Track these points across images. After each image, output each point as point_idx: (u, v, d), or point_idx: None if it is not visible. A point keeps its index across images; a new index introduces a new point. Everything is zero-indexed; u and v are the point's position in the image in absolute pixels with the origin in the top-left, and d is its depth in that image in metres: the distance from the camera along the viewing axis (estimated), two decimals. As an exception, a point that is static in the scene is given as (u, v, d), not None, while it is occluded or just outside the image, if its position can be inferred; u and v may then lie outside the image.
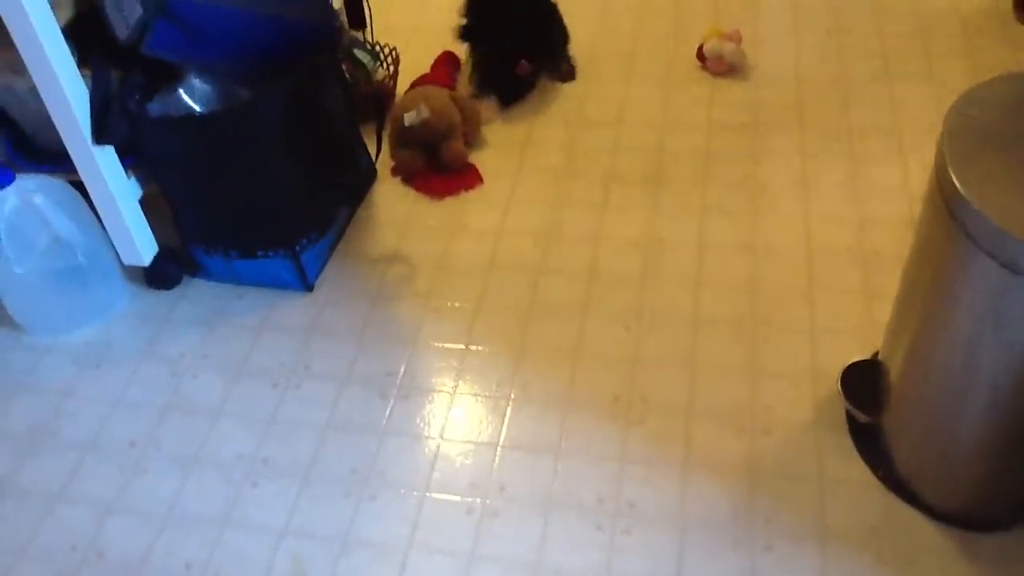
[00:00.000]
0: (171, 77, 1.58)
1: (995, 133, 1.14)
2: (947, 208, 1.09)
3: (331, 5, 1.66)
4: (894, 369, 1.34)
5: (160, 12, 1.38)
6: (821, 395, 1.50)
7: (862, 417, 1.42)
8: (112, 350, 1.69)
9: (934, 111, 1.12)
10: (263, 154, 1.57)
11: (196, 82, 1.59)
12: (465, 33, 2.19)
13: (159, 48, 1.45)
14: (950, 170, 1.08)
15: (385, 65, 2.19)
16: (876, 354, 1.49)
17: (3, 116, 1.65)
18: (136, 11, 1.39)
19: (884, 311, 1.47)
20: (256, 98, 1.56)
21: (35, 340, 1.72)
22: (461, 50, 2.25)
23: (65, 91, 1.47)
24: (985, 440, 1.24)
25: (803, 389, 1.52)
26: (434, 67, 2.22)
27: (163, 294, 1.79)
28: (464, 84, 2.21)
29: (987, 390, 1.17)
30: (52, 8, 1.42)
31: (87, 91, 1.51)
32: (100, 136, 1.53)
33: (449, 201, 1.94)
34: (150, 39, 1.42)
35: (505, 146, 2.05)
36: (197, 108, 1.60)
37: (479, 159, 2.01)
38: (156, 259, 1.74)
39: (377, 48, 2.20)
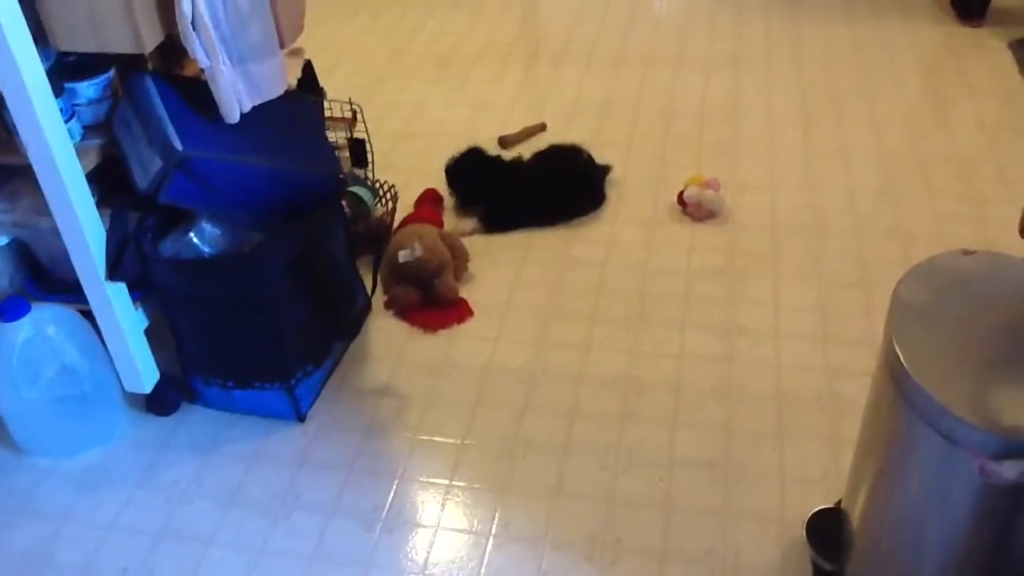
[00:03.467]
0: (184, 220, 1.69)
1: (940, 307, 1.23)
2: (892, 379, 1.18)
3: (336, 158, 1.78)
4: (855, 520, 1.41)
5: (178, 166, 1.50)
6: (788, 540, 1.57)
7: (826, 565, 1.48)
8: (110, 475, 1.75)
9: (901, 269, 1.22)
10: (267, 296, 1.67)
11: (207, 226, 1.70)
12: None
13: (175, 198, 1.56)
14: (894, 343, 1.17)
15: (384, 202, 2.31)
16: (840, 502, 1.56)
17: (24, 251, 1.75)
18: (156, 164, 1.50)
19: (849, 458, 1.54)
20: (263, 245, 1.67)
21: (36, 462, 1.78)
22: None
23: (84, 232, 1.58)
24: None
25: (771, 534, 1.58)
26: (419, 205, 2.34)
27: (161, 420, 1.86)
28: (450, 220, 2.33)
29: (936, 554, 1.23)
30: (78, 158, 1.55)
31: (104, 231, 1.62)
32: (114, 274, 1.63)
33: (441, 334, 2.03)
34: (167, 189, 1.53)
35: (495, 283, 2.16)
36: (206, 250, 1.70)
37: (469, 294, 2.12)
38: (157, 386, 1.82)
39: (377, 185, 2.32)
